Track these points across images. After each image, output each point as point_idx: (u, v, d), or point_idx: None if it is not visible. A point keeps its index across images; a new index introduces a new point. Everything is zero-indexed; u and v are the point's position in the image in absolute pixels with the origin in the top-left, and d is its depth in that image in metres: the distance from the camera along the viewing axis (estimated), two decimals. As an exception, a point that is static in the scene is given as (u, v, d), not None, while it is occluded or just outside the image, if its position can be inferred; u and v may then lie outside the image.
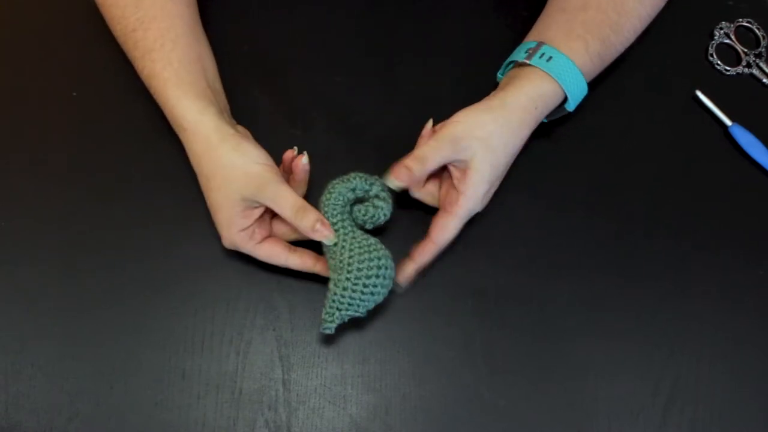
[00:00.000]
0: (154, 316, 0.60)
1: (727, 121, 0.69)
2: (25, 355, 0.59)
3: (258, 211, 0.58)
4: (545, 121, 0.66)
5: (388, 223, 0.60)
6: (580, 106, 0.67)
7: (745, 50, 0.73)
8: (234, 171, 0.56)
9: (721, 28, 0.74)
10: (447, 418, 0.59)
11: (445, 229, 0.59)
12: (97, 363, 0.59)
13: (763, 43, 0.74)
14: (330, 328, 0.56)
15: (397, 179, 0.57)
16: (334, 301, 0.56)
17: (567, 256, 0.64)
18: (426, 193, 0.62)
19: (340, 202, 0.58)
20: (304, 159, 0.60)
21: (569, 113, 0.65)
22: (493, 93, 0.61)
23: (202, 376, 0.59)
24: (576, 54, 0.61)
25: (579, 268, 0.64)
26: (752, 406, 0.60)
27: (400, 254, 0.60)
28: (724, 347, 0.62)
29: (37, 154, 0.66)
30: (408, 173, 0.57)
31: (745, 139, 0.68)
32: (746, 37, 0.75)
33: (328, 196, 0.59)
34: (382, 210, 0.59)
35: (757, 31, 0.74)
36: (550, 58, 0.60)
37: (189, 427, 0.57)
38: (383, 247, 0.58)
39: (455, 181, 0.59)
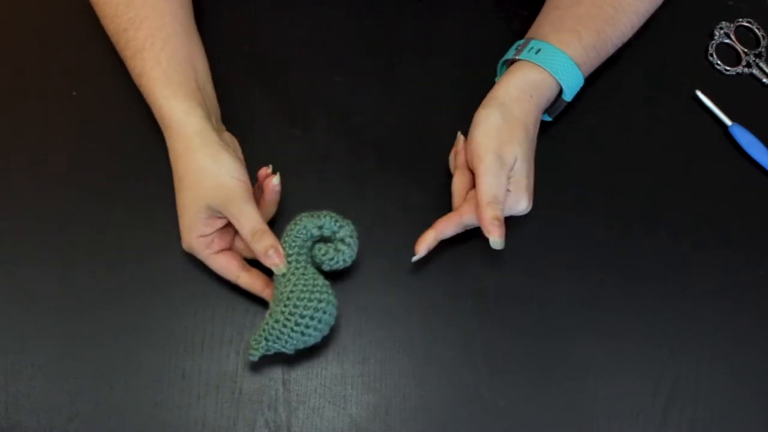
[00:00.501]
0: (154, 316, 0.60)
1: (727, 121, 0.69)
2: (25, 355, 0.59)
3: (221, 222, 0.58)
4: (549, 119, 0.66)
5: (349, 269, 0.60)
6: (580, 106, 0.67)
7: (745, 50, 0.73)
8: (206, 178, 0.56)
9: (721, 28, 0.74)
10: (447, 418, 0.59)
11: (477, 209, 0.57)
12: (97, 363, 0.59)
13: (763, 43, 0.74)
14: (254, 355, 0.56)
15: (500, 237, 0.57)
16: (264, 330, 0.56)
17: (567, 256, 0.64)
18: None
19: (301, 236, 0.57)
20: (275, 179, 0.59)
21: (570, 109, 0.65)
22: (487, 95, 0.62)
23: (202, 376, 0.59)
24: (567, 45, 0.62)
25: (579, 268, 0.64)
26: (752, 406, 0.60)
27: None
28: (724, 347, 0.62)
29: (37, 154, 0.66)
30: (501, 223, 0.57)
31: (745, 139, 0.68)
32: (746, 37, 0.75)
33: (292, 226, 0.58)
34: (342, 255, 0.58)
35: (757, 31, 0.74)
36: (539, 50, 0.61)
37: (189, 427, 0.57)
38: (330, 292, 0.57)
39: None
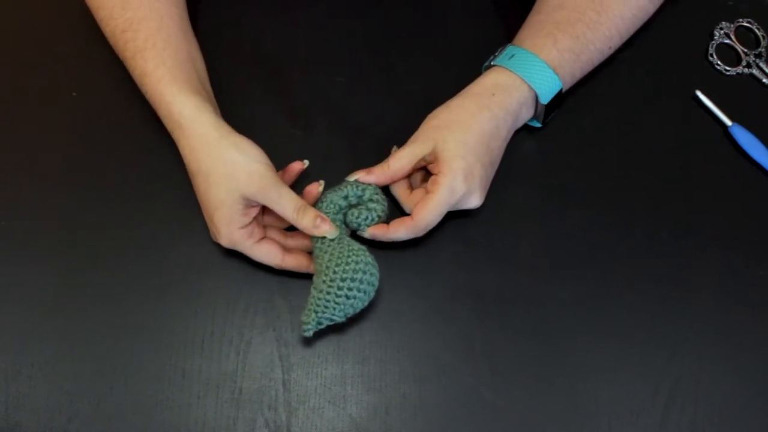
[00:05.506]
0: (154, 316, 0.60)
1: (727, 121, 0.69)
2: (25, 355, 0.59)
3: (256, 210, 0.58)
4: (539, 124, 0.67)
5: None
6: (580, 107, 0.67)
7: (745, 50, 0.73)
8: (236, 168, 0.56)
9: (721, 28, 0.74)
10: (447, 418, 0.59)
11: (425, 208, 0.58)
12: (97, 363, 0.59)
13: (763, 43, 0.74)
14: (308, 330, 0.57)
15: (355, 173, 0.60)
16: (311, 303, 0.57)
17: (567, 256, 0.64)
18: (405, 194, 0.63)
19: (331, 210, 0.59)
20: (320, 188, 0.61)
21: (570, 109, 0.65)
22: None
23: (202, 376, 0.59)
24: (542, 49, 0.62)
25: (579, 268, 0.64)
26: (753, 406, 0.60)
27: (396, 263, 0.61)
28: (725, 347, 0.62)
29: (37, 154, 0.66)
30: (366, 170, 0.61)
31: (745, 139, 0.68)
32: (746, 37, 0.75)
33: (320, 205, 0.60)
34: (375, 212, 0.60)
35: (757, 31, 0.74)
36: (513, 55, 0.63)
37: (189, 427, 0.57)
38: (368, 254, 0.58)
39: (433, 170, 0.60)
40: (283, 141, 0.67)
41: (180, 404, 0.58)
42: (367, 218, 0.60)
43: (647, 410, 0.59)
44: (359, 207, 0.60)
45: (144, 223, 0.63)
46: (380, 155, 0.66)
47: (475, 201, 0.61)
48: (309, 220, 0.57)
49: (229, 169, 0.56)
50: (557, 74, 0.62)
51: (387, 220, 0.61)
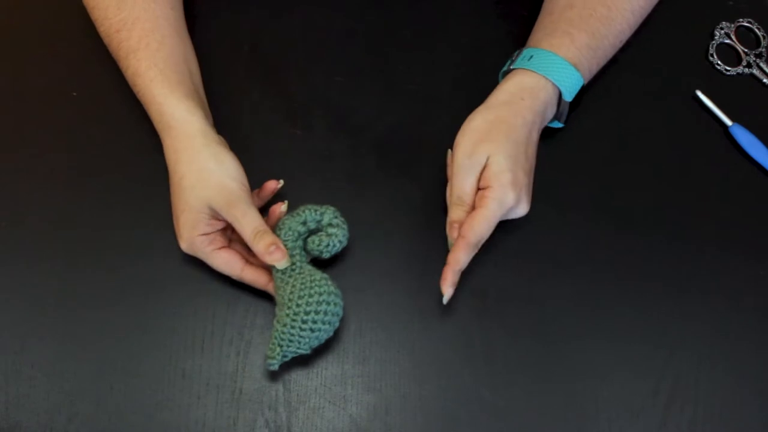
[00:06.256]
0: (154, 316, 0.60)
1: (727, 121, 0.69)
2: (25, 355, 0.59)
3: (221, 224, 0.58)
4: (561, 125, 0.67)
5: (346, 250, 0.60)
6: (580, 107, 0.67)
7: (746, 50, 0.73)
8: (209, 178, 0.56)
9: (721, 28, 0.74)
10: (447, 418, 0.59)
11: (474, 223, 0.58)
12: (97, 363, 0.59)
13: (763, 43, 0.74)
14: (273, 364, 0.56)
15: (453, 237, 0.58)
16: (275, 337, 0.56)
17: (567, 256, 0.64)
18: None
19: (290, 237, 0.58)
20: (283, 207, 0.59)
21: (570, 109, 0.65)
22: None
23: (202, 376, 0.59)
24: (559, 48, 0.62)
25: (579, 268, 0.64)
26: (752, 406, 0.60)
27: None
28: (724, 347, 0.62)
29: (37, 154, 0.66)
30: (460, 239, 0.58)
31: (746, 139, 0.68)
32: (746, 37, 0.75)
33: (278, 232, 0.58)
34: (336, 237, 0.58)
35: (757, 31, 0.74)
36: (531, 57, 0.62)
37: (189, 427, 0.57)
38: (330, 284, 0.57)
39: (482, 185, 0.59)
40: (282, 141, 0.67)
41: (180, 404, 0.58)
42: (328, 245, 0.58)
43: (647, 410, 0.59)
44: (319, 233, 0.59)
45: (144, 222, 0.63)
46: (380, 155, 0.67)
47: (522, 210, 0.60)
48: (263, 246, 0.55)
49: (203, 176, 0.56)
50: (578, 70, 0.62)
51: (348, 245, 0.60)
